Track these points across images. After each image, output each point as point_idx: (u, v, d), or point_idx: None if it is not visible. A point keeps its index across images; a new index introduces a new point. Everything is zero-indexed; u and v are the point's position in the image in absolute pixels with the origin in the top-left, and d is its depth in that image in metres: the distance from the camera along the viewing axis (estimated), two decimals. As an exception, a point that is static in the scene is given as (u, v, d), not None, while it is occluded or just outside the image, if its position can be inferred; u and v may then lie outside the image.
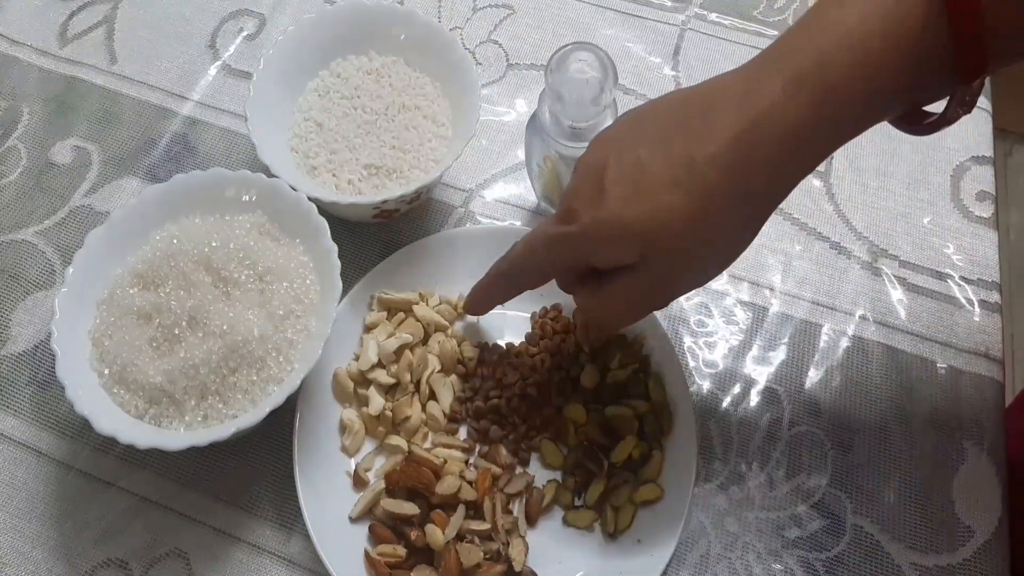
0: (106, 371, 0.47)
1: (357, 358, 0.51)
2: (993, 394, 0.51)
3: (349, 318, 0.51)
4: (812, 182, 0.59)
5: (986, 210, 0.58)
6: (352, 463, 0.49)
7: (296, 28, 0.57)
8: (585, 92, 0.45)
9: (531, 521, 0.47)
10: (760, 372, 0.52)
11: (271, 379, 0.46)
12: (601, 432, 0.49)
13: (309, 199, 0.50)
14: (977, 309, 0.54)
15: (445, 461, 0.48)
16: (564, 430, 0.49)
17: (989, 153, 0.60)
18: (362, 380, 0.50)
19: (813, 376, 0.52)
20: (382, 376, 0.50)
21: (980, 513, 0.48)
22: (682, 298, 0.54)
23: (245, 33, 0.66)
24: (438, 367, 0.51)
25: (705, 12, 0.67)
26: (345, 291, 0.49)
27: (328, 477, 0.48)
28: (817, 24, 0.36)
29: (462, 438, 0.50)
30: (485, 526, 0.46)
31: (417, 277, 0.53)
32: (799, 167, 0.38)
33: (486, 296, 0.49)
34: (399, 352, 0.50)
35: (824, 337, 0.53)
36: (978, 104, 0.52)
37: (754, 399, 0.52)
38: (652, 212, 0.38)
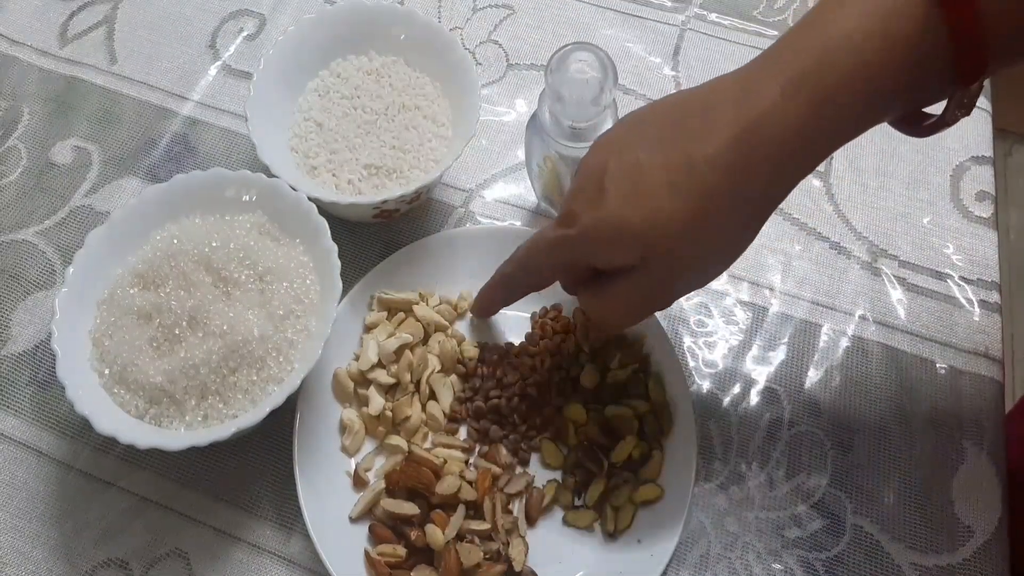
0: (106, 371, 0.47)
1: (357, 358, 0.51)
2: (993, 394, 0.51)
3: (349, 318, 0.51)
4: (812, 182, 0.59)
5: (986, 210, 0.58)
6: (352, 463, 0.49)
7: (296, 28, 0.57)
8: (585, 92, 0.45)
9: (531, 521, 0.47)
10: (760, 372, 0.52)
11: (271, 379, 0.46)
12: (601, 432, 0.49)
13: (309, 199, 0.50)
14: (977, 309, 0.54)
15: (445, 461, 0.48)
16: (564, 430, 0.49)
17: (989, 153, 0.60)
18: (362, 380, 0.50)
19: (813, 376, 0.52)
20: (382, 376, 0.50)
21: (980, 513, 0.48)
22: (682, 298, 0.54)
23: (245, 33, 0.66)
24: (438, 367, 0.51)
25: (705, 12, 0.67)
26: (345, 291, 0.49)
27: (328, 477, 0.48)
28: (817, 25, 0.36)
29: (462, 438, 0.50)
30: (485, 526, 0.46)
31: (417, 277, 0.53)
32: (799, 168, 0.38)
33: (491, 298, 0.50)
34: (399, 352, 0.50)
35: (824, 337, 0.54)
36: (978, 104, 0.52)
37: (754, 399, 0.52)
38: (651, 214, 0.38)
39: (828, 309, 0.55)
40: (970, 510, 0.48)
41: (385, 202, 0.51)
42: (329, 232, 0.49)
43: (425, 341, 0.52)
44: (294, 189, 0.50)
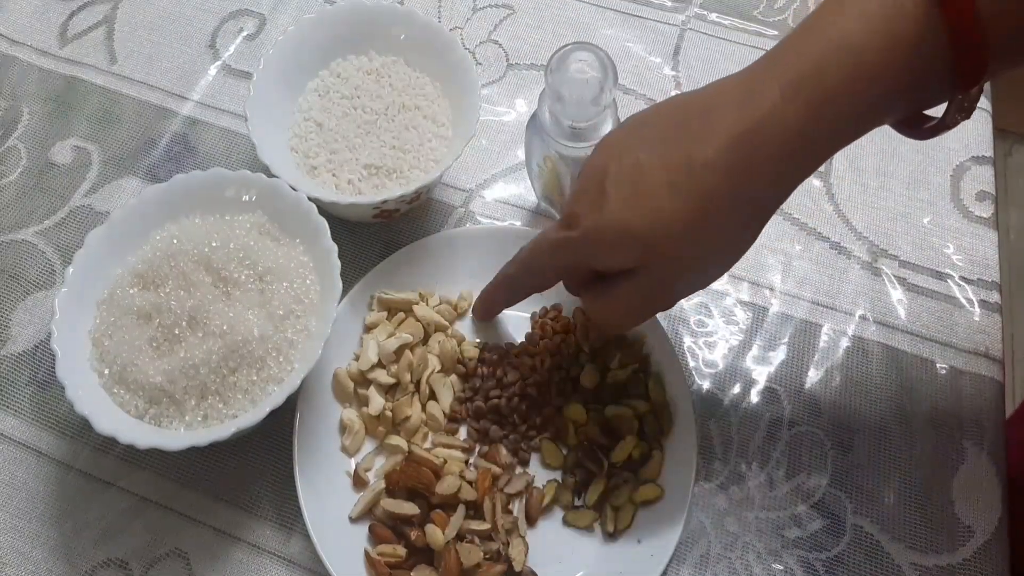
0: (106, 371, 0.47)
1: (357, 358, 0.51)
2: (993, 394, 0.51)
3: (349, 318, 0.51)
4: (812, 182, 0.59)
5: (986, 210, 0.58)
6: (352, 463, 0.49)
7: (296, 28, 0.57)
8: (585, 92, 0.45)
9: (531, 521, 0.47)
10: (760, 372, 0.52)
11: (271, 379, 0.46)
12: (601, 432, 0.49)
13: (309, 199, 0.50)
14: (977, 309, 0.54)
15: (445, 461, 0.48)
16: (564, 430, 0.49)
17: (989, 153, 0.60)
18: (362, 380, 0.50)
19: (813, 376, 0.52)
20: (382, 376, 0.50)
21: (980, 513, 0.48)
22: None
23: (245, 33, 0.66)
24: (438, 367, 0.51)
25: (705, 12, 0.67)
26: (345, 291, 0.49)
27: (328, 477, 0.48)
28: (817, 28, 0.36)
29: (462, 438, 0.50)
30: (485, 526, 0.46)
31: (417, 277, 0.53)
32: (799, 169, 0.38)
33: (493, 300, 0.50)
34: (399, 352, 0.50)
35: (824, 337, 0.53)
36: (978, 105, 0.52)
37: (754, 399, 0.52)
38: (651, 214, 0.38)
39: (828, 309, 0.55)
40: (970, 510, 0.48)
41: (385, 202, 0.51)
42: (329, 232, 0.49)
43: (425, 341, 0.52)
44: (294, 189, 0.50)
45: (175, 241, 0.50)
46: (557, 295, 0.50)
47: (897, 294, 0.55)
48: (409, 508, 0.46)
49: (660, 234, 0.38)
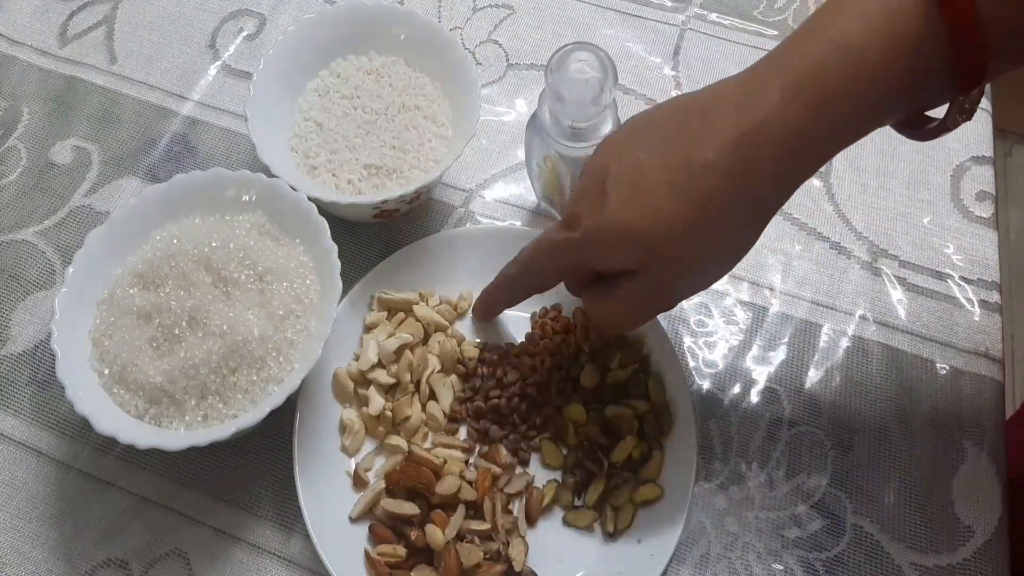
0: (106, 371, 0.47)
1: (357, 358, 0.51)
2: (993, 394, 0.51)
3: (349, 318, 0.51)
4: (812, 182, 0.59)
5: (986, 210, 0.58)
6: (352, 463, 0.49)
7: (296, 28, 0.57)
8: (585, 92, 0.45)
9: (531, 521, 0.47)
10: (760, 372, 0.52)
11: (271, 379, 0.46)
12: (601, 432, 0.49)
13: (309, 199, 0.50)
14: (977, 309, 0.54)
15: (445, 461, 0.48)
16: (564, 430, 0.49)
17: (989, 153, 0.60)
18: (362, 380, 0.50)
19: (813, 376, 0.52)
20: (382, 376, 0.50)
21: (980, 513, 0.48)
22: (682, 299, 0.54)
23: (245, 33, 0.66)
24: (438, 367, 0.51)
25: (705, 12, 0.67)
26: (345, 291, 0.49)
27: (328, 477, 0.48)
28: (817, 29, 0.36)
29: (462, 438, 0.50)
30: (485, 526, 0.46)
31: (417, 277, 0.53)
32: (800, 170, 0.38)
33: (494, 300, 0.50)
34: (399, 352, 0.50)
35: (824, 337, 0.53)
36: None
37: (754, 399, 0.52)
38: (652, 216, 0.38)
39: (828, 309, 0.55)
40: (970, 510, 0.48)
41: (385, 202, 0.51)
42: (329, 232, 0.49)
43: (425, 341, 0.52)
44: (294, 189, 0.50)
45: (175, 241, 0.50)
46: (557, 295, 0.50)
47: (897, 294, 0.55)
48: (409, 508, 0.46)
49: (660, 234, 0.38)
